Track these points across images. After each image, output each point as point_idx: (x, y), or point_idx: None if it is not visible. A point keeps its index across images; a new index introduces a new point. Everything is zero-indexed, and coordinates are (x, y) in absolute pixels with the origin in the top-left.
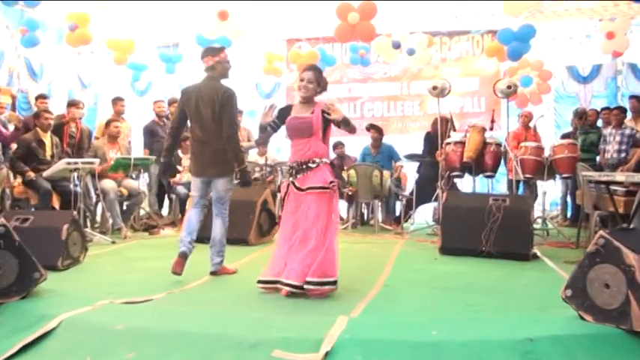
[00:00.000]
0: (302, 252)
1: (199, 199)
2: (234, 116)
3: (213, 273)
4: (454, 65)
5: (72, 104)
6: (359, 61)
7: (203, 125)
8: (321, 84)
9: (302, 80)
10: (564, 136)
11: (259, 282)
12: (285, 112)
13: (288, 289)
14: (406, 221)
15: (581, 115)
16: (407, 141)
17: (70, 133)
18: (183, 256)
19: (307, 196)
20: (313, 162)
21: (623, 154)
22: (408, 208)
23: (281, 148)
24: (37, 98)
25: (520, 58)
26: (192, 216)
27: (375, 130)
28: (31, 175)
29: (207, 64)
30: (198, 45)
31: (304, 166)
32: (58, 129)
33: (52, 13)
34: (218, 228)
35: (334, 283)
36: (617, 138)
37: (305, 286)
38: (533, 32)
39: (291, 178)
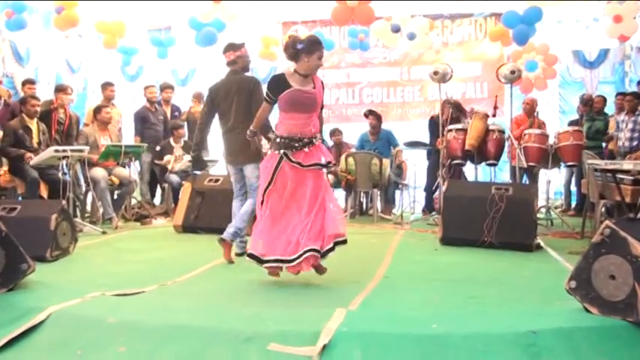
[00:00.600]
0: (315, 227)
1: (239, 190)
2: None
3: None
4: (456, 49)
5: (60, 90)
6: (358, 45)
7: (232, 116)
8: None
9: (318, 59)
10: (571, 124)
11: (262, 262)
12: (280, 82)
13: (312, 254)
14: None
15: (586, 102)
16: (407, 128)
17: (59, 120)
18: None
19: (307, 172)
20: (315, 139)
21: (635, 142)
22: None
23: None
24: (24, 83)
25: (526, 42)
26: (235, 208)
27: (374, 116)
28: (30, 155)
29: (229, 58)
30: (191, 28)
31: (307, 142)
32: (46, 115)
33: None
34: (247, 205)
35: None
36: (630, 125)
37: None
38: (540, 15)
39: (285, 152)
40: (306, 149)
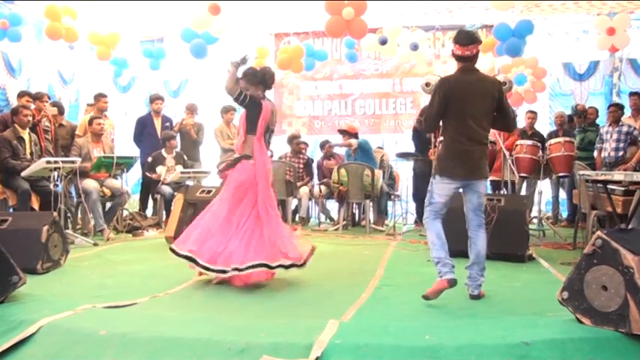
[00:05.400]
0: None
1: (442, 207)
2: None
3: (475, 297)
4: (448, 61)
5: (36, 98)
6: (354, 56)
7: (472, 122)
8: (260, 85)
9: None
10: (551, 135)
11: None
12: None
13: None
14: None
15: (581, 113)
16: (400, 139)
17: (44, 129)
18: (453, 284)
19: None
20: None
21: (621, 152)
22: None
23: None
24: (22, 95)
25: (518, 54)
26: (440, 231)
27: (346, 134)
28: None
29: (472, 51)
30: (183, 40)
31: None
32: (31, 128)
33: (31, 7)
34: (483, 241)
35: None
36: (615, 136)
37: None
38: (531, 28)
39: None
40: None
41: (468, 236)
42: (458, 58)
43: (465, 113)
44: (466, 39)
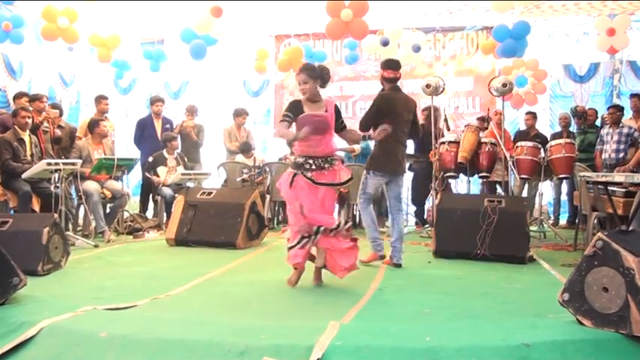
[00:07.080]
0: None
1: (370, 195)
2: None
3: (399, 265)
4: (448, 63)
5: (34, 99)
6: (357, 58)
7: (400, 129)
8: (318, 80)
9: (299, 84)
10: (554, 136)
11: None
12: (297, 107)
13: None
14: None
15: (581, 115)
16: None
17: (44, 129)
18: (381, 258)
19: (321, 188)
20: (331, 160)
21: (621, 154)
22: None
23: (267, 148)
24: (19, 97)
25: (517, 55)
26: (372, 214)
27: None
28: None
29: (396, 75)
30: (183, 41)
31: (321, 163)
32: (32, 131)
33: (31, 8)
34: (401, 220)
35: None
36: (615, 137)
37: None
38: (528, 29)
39: (303, 172)
40: (322, 170)
41: (390, 218)
42: (389, 80)
43: (393, 121)
44: (397, 64)
